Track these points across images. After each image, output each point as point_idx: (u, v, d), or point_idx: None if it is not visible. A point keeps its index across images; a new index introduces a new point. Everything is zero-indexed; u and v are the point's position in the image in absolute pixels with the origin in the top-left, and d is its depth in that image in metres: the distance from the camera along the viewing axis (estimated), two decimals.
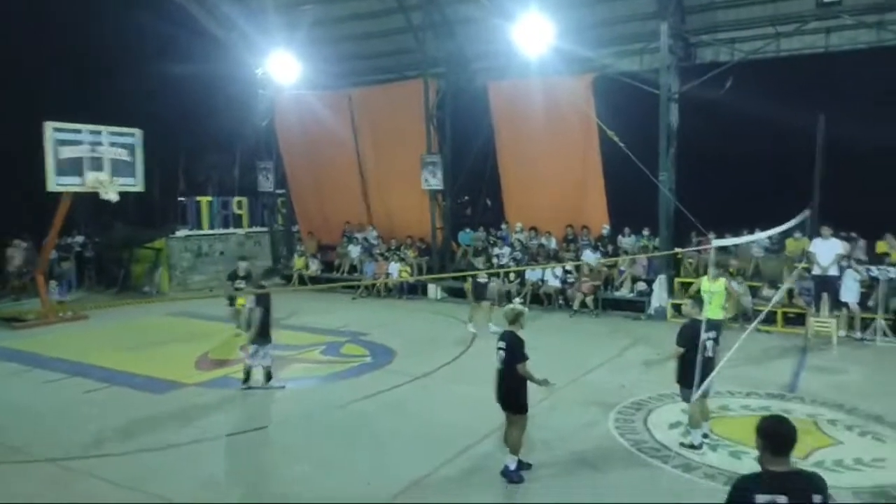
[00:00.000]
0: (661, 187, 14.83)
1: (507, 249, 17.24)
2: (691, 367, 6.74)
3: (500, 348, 6.44)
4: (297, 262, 19.42)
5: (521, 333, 6.48)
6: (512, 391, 6.36)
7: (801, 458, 6.49)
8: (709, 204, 14.89)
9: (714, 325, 7.47)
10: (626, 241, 16.56)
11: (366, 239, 19.68)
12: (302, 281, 19.00)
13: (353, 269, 18.89)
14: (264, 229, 21.46)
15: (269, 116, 20.90)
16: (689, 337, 7.01)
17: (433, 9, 17.16)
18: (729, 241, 10.69)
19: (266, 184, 21.23)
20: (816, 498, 3.13)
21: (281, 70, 18.21)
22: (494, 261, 16.92)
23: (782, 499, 3.08)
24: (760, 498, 3.11)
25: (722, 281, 9.57)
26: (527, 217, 17.82)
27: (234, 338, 11.21)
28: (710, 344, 6.98)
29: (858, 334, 12.41)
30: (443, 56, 17.60)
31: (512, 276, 16.38)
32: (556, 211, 17.14)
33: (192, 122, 21.46)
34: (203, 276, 19.14)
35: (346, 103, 19.51)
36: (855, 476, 6.41)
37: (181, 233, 19.37)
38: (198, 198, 20.21)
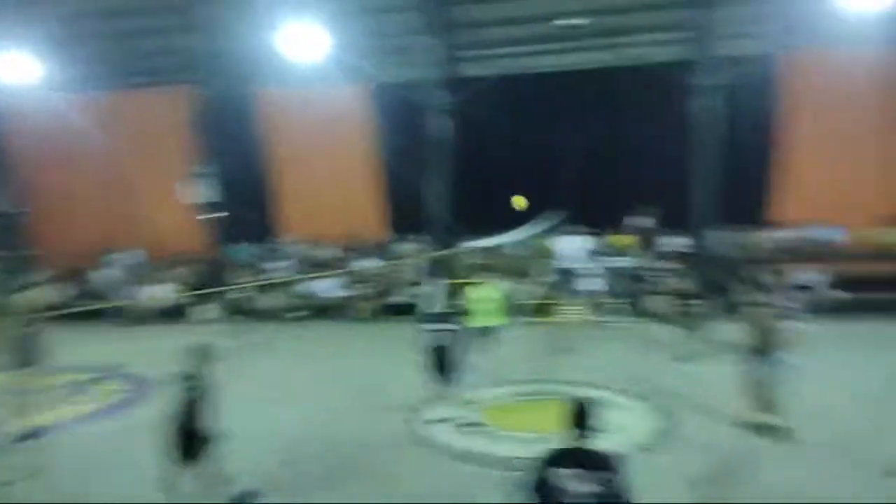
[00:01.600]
0: (433, 195, 15.56)
1: (283, 262, 16.78)
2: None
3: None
4: (35, 291, 16.84)
5: (208, 370, 5.88)
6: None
7: None
8: (476, 209, 15.96)
9: (443, 318, 8.22)
10: (405, 247, 17.05)
11: (127, 260, 17.78)
12: (43, 311, 16.46)
13: (109, 293, 16.87)
14: None
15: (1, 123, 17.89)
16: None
17: (196, 11, 16.03)
18: (480, 244, 11.47)
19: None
20: (609, 473, 3.46)
21: (15, 71, 15.59)
22: (272, 275, 16.39)
23: (580, 471, 3.44)
24: (562, 471, 3.45)
25: (488, 286, 9.84)
26: (303, 227, 17.52)
27: None
28: (440, 335, 7.41)
29: (602, 319, 14.15)
30: (207, 62, 16.48)
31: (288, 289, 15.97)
32: (332, 220, 17.09)
33: None
34: None
35: (99, 109, 17.40)
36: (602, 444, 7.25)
37: None
38: None
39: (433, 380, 7.42)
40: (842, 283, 13.87)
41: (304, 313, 15.74)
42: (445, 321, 7.62)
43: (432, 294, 7.97)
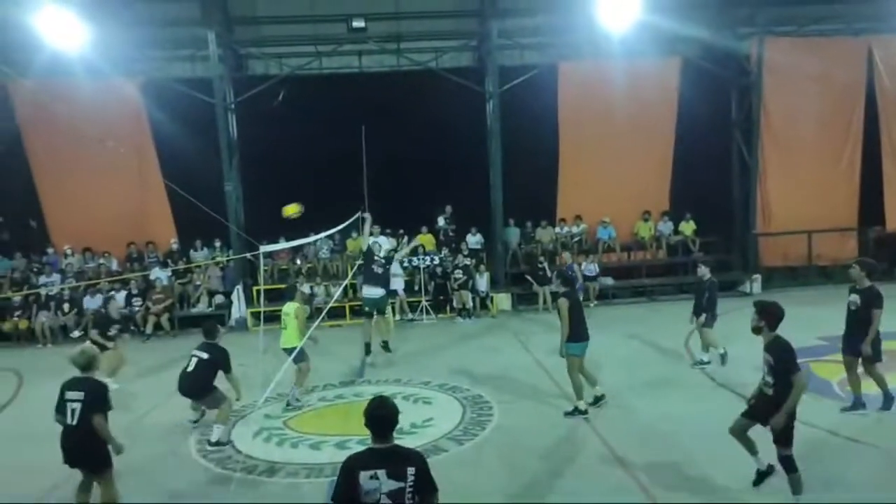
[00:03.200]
0: (228, 197, 14.79)
1: (56, 276, 14.86)
2: None
3: (74, 399, 5.31)
4: None
5: (102, 377, 5.61)
6: (88, 445, 5.35)
7: None
8: (275, 210, 15.45)
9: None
10: (198, 254, 15.98)
11: None
12: None
13: None
14: None
15: None
16: None
17: None
18: (276, 247, 11.14)
19: None
20: (410, 469, 3.48)
21: None
22: (43, 291, 14.44)
23: (381, 471, 3.43)
24: (364, 473, 3.43)
25: (292, 302, 9.01)
26: (79, 237, 15.66)
27: None
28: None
29: (409, 316, 14.51)
30: None
31: (66, 307, 14.21)
32: (114, 228, 15.53)
33: None
34: None
35: None
36: (413, 439, 7.39)
37: None
38: None
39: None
40: (611, 271, 15.92)
41: (84, 333, 14.09)
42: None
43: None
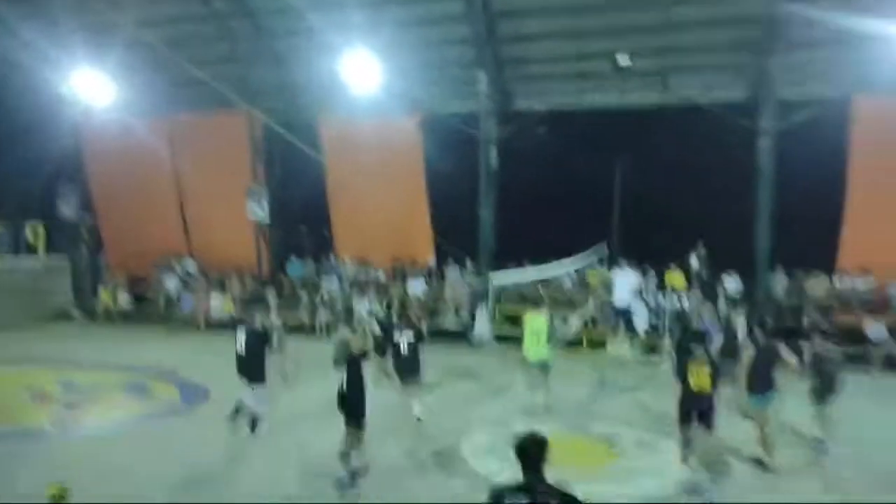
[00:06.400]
0: (482, 222, 15.71)
1: (335, 281, 17.14)
2: None
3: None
4: (104, 294, 17.77)
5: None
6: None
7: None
8: (525, 238, 16.05)
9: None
10: (450, 273, 17.18)
11: (185, 270, 18.54)
12: (109, 315, 17.38)
13: (168, 302, 17.61)
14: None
15: (76, 138, 19.07)
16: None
17: (260, 39, 16.84)
18: (519, 274, 11.33)
19: (68, 209, 19.23)
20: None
21: (89, 90, 16.52)
22: (323, 294, 16.79)
23: (524, 499, 3.45)
24: (508, 498, 3.49)
25: (541, 316, 9.54)
26: (356, 249, 17.90)
27: None
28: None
29: (649, 357, 13.82)
30: (270, 88, 17.30)
31: (339, 308, 16.30)
32: (384, 243, 17.43)
33: None
34: None
35: (167, 130, 18.35)
36: (632, 486, 7.07)
37: None
38: None
39: None
40: None
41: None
42: None
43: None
